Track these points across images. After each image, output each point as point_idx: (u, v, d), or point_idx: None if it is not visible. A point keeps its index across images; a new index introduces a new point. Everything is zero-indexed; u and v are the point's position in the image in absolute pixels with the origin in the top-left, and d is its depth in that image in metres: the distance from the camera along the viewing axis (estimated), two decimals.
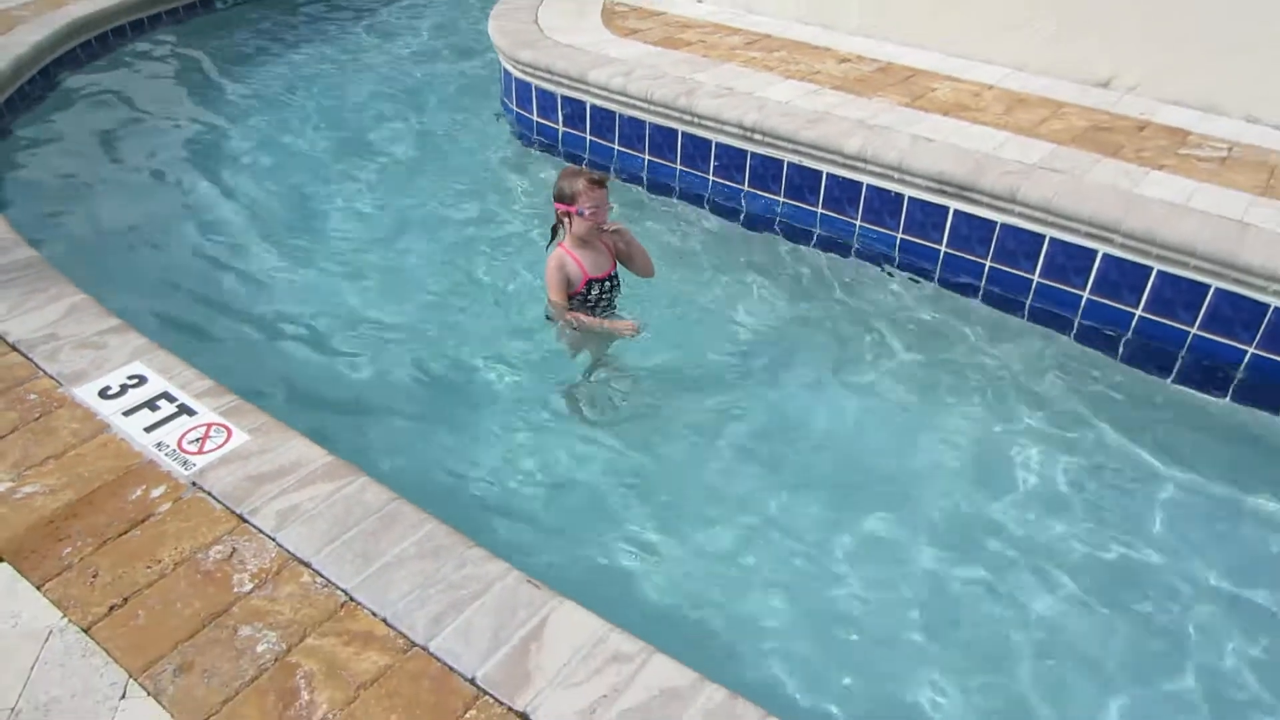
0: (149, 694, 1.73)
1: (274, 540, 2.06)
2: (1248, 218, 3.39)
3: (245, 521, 2.11)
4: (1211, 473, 2.91)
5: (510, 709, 1.71)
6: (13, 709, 1.69)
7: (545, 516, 2.71)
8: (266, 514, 2.12)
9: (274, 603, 1.91)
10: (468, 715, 1.70)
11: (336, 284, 3.81)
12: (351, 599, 1.93)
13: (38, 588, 1.94)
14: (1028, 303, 3.72)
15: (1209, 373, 3.34)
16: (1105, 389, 3.31)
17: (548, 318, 3.15)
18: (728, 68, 4.77)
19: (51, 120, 5.04)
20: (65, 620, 1.87)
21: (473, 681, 1.76)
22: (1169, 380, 3.38)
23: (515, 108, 5.12)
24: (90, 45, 5.95)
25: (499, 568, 2.00)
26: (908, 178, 3.79)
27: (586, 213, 2.90)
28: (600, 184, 2.92)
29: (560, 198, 2.95)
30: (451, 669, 1.78)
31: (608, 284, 3.06)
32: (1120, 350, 3.50)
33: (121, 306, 2.94)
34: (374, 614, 1.89)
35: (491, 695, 1.74)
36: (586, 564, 2.53)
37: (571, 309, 3.01)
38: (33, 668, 1.77)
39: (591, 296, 3.03)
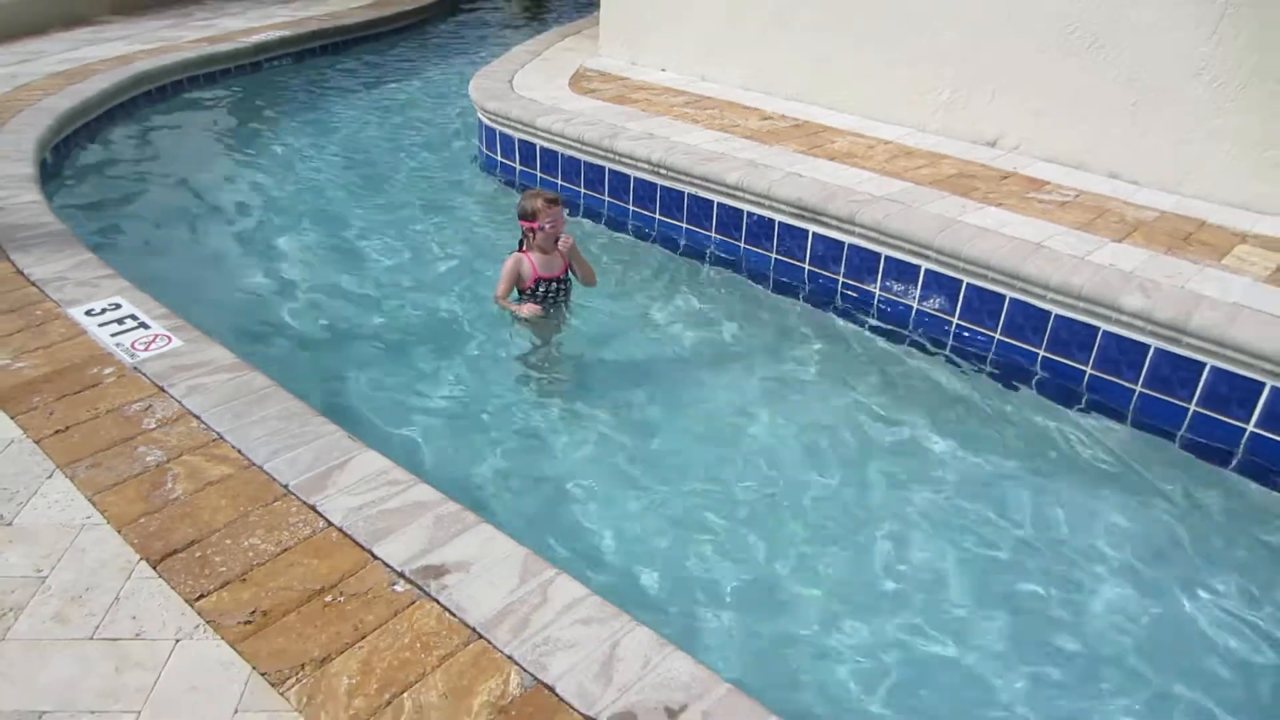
0: (67, 478, 2.51)
1: (179, 403, 2.84)
2: (1047, 243, 4.04)
3: (163, 391, 2.90)
4: (999, 452, 3.46)
5: (305, 503, 2.44)
6: None
7: (433, 423, 3.43)
8: (179, 387, 2.91)
9: (167, 436, 2.69)
10: (275, 503, 2.44)
11: (318, 268, 4.69)
12: (221, 438, 2.69)
13: (11, 418, 2.75)
14: (871, 314, 4.38)
15: (1012, 372, 3.93)
16: (930, 384, 3.90)
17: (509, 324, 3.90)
18: (659, 120, 5.62)
19: (111, 146, 6.12)
20: (24, 435, 2.67)
21: (286, 487, 2.50)
22: (982, 375, 3.98)
23: (484, 150, 6.04)
24: (152, 94, 7.10)
25: (332, 428, 2.75)
26: (776, 204, 4.53)
27: (547, 226, 3.57)
28: (555, 202, 3.61)
29: (523, 215, 3.62)
30: (273, 479, 2.53)
31: (555, 285, 3.71)
32: (946, 353, 4.12)
33: (121, 264, 3.83)
34: (232, 446, 2.65)
35: (296, 495, 2.47)
36: (440, 452, 3.24)
37: (521, 301, 3.70)
38: None
39: (540, 292, 3.69)
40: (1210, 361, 3.43)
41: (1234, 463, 3.43)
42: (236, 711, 1.87)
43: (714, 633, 2.60)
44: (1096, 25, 4.77)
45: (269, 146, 6.44)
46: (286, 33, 8.89)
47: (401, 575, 2.21)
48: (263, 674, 1.95)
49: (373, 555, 2.27)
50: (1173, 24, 4.53)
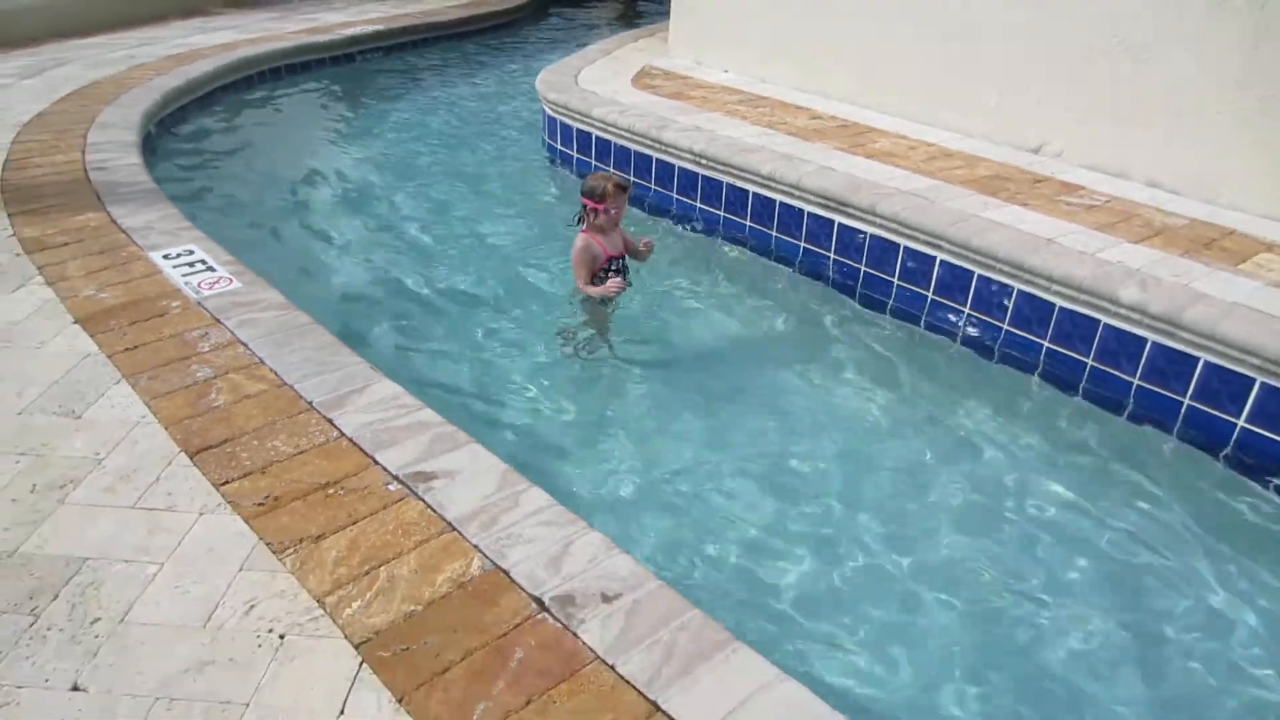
0: (130, 386, 2.92)
1: (231, 332, 3.24)
2: (1058, 239, 4.16)
3: (219, 322, 3.31)
4: (1020, 440, 3.62)
5: (324, 416, 2.79)
6: (52, 383, 2.91)
7: (462, 376, 3.77)
8: (233, 320, 3.32)
9: (216, 358, 3.08)
10: (299, 416, 2.80)
11: (379, 234, 5.13)
12: (261, 362, 3.07)
13: (90, 336, 3.19)
14: (890, 302, 4.55)
15: (1022, 359, 4.06)
16: (942, 368, 4.07)
17: (570, 301, 4.12)
18: (710, 115, 5.88)
19: (209, 122, 6.70)
20: (99, 351, 3.10)
21: (310, 404, 2.86)
22: (993, 362, 4.12)
23: (546, 138, 6.40)
24: (251, 78, 7.70)
25: (357, 360, 3.11)
26: (805, 195, 4.75)
27: (612, 211, 3.72)
28: (624, 189, 3.74)
29: (590, 195, 3.70)
30: (300, 396, 2.89)
31: (620, 262, 3.90)
32: (958, 340, 4.27)
33: (202, 220, 4.30)
34: (270, 368, 3.03)
35: (318, 410, 2.82)
36: (476, 409, 3.56)
37: (594, 284, 3.79)
38: (69, 370, 2.99)
39: (614, 269, 3.84)
40: (1204, 356, 3.51)
41: (1224, 456, 3.50)
42: (241, 569, 2.22)
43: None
44: (1142, 36, 4.83)
45: (350, 129, 6.95)
46: (380, 27, 9.46)
47: (396, 478, 2.54)
48: (267, 544, 2.30)
49: (374, 460, 2.61)
50: (1217, 36, 4.57)
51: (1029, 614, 2.75)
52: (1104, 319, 3.77)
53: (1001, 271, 4.06)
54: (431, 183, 5.97)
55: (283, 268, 4.36)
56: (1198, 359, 3.54)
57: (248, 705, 1.88)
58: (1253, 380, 3.41)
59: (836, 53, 6.41)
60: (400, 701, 1.88)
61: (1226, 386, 3.49)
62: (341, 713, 1.87)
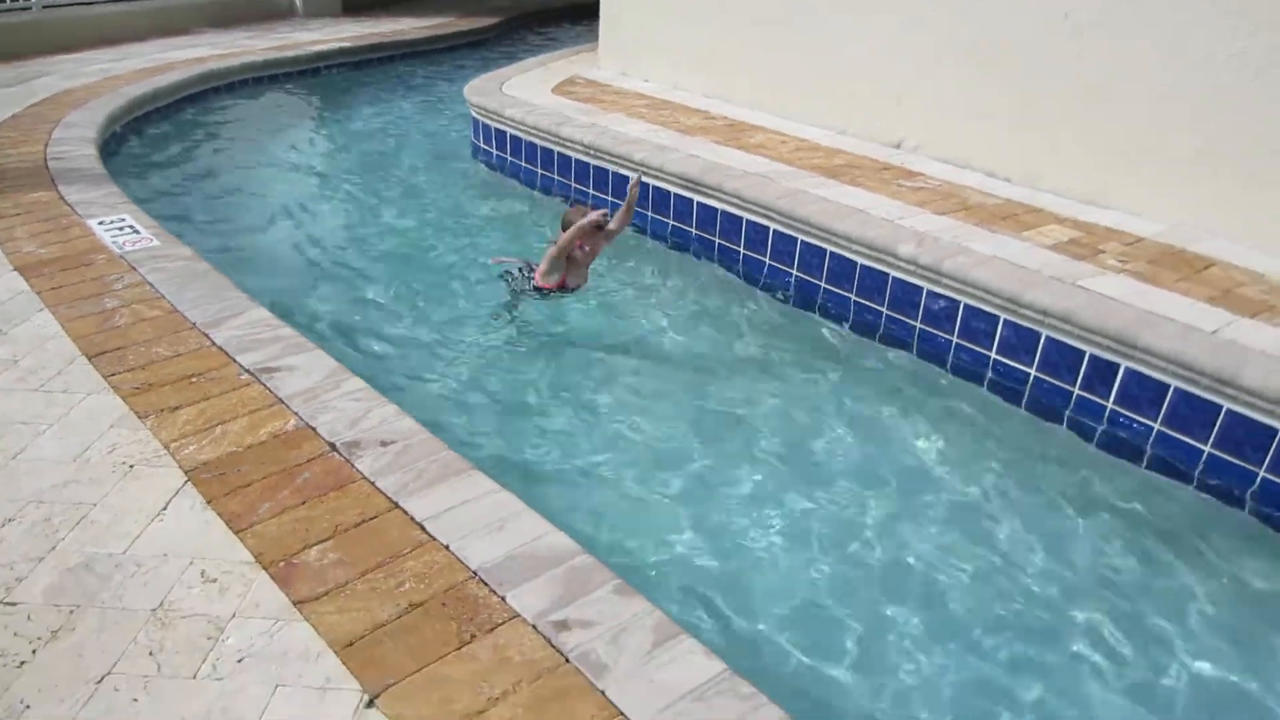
0: (51, 314, 3.62)
1: (142, 276, 3.94)
2: (869, 210, 4.82)
3: (134, 269, 4.02)
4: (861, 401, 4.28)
5: (203, 333, 3.48)
6: None
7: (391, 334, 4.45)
8: (146, 267, 4.02)
9: (126, 294, 3.78)
10: (181, 332, 3.48)
11: (316, 216, 5.84)
12: (163, 297, 3.77)
13: (26, 280, 3.90)
14: (739, 266, 5.22)
15: (836, 313, 4.72)
16: (772, 320, 4.72)
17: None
18: (612, 115, 6.60)
19: (172, 126, 7.46)
20: (30, 289, 3.81)
21: (193, 324, 3.55)
22: (814, 314, 4.77)
23: (473, 139, 7.13)
24: (220, 89, 8.48)
25: (240, 295, 3.80)
26: (668, 178, 5.44)
27: (587, 248, 4.21)
28: (600, 227, 4.15)
29: (565, 226, 4.18)
30: (186, 318, 3.58)
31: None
32: (790, 301, 4.93)
33: (146, 202, 5.02)
34: (169, 301, 3.72)
35: (198, 328, 3.51)
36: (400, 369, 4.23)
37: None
38: (3, 303, 3.70)
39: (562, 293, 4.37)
40: (963, 300, 4.17)
41: (984, 383, 4.15)
42: (111, 428, 2.90)
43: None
44: (986, 42, 5.48)
45: (304, 134, 7.69)
46: (346, 44, 10.25)
47: (247, 370, 3.23)
48: (135, 413, 2.98)
49: (233, 359, 3.30)
50: (1045, 37, 5.22)
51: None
52: (892, 273, 4.43)
53: (817, 236, 4.73)
54: (370, 176, 6.69)
55: (209, 237, 5.07)
56: (959, 302, 4.20)
57: (95, 505, 2.55)
58: (997, 318, 4.07)
59: (738, 62, 7.12)
60: (209, 502, 2.56)
61: (982, 326, 4.14)
62: (165, 508, 2.54)
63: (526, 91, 7.22)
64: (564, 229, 4.18)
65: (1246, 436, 3.42)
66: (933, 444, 3.74)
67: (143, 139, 7.06)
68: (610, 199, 5.94)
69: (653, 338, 4.52)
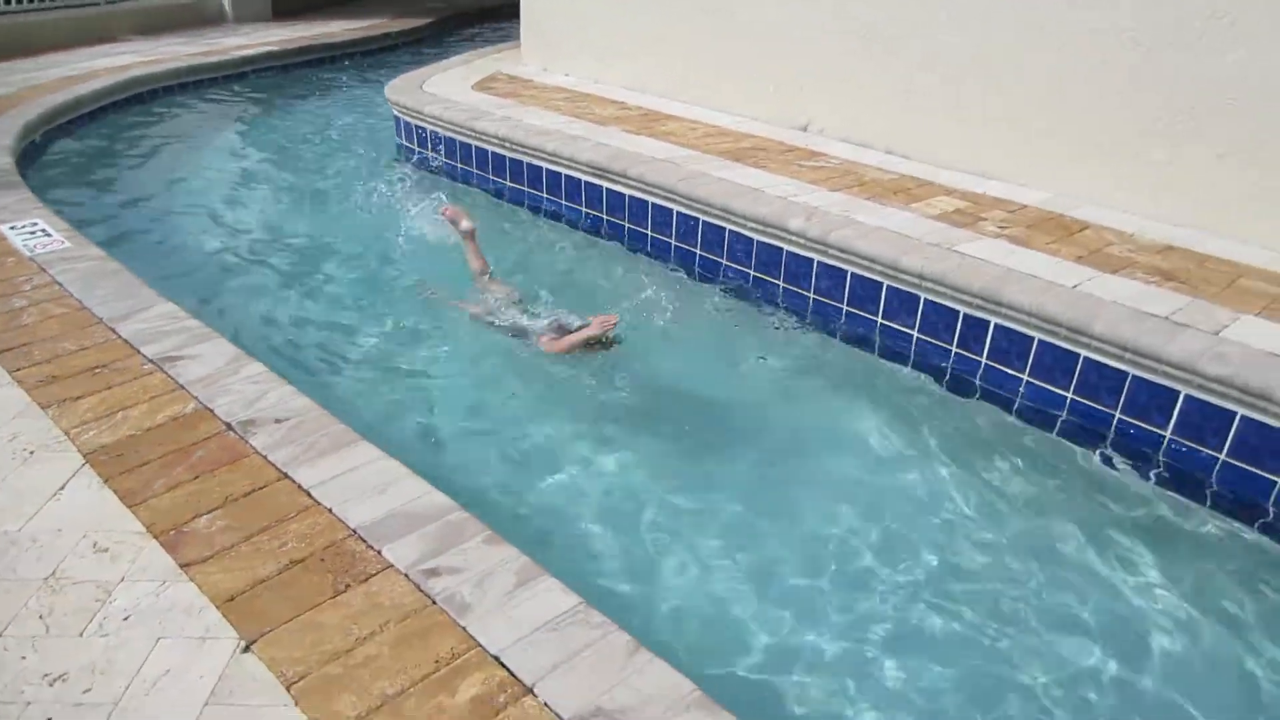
0: None
1: (52, 277, 4.04)
2: (766, 189, 5.03)
3: (44, 270, 4.11)
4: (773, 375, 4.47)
5: (108, 327, 3.60)
6: None
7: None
8: (56, 268, 4.12)
9: (35, 293, 3.88)
10: (88, 328, 3.60)
11: (239, 210, 5.94)
12: (70, 295, 3.87)
13: None
14: (645, 247, 5.42)
15: (737, 287, 4.92)
16: (676, 294, 4.85)
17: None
18: (529, 109, 6.76)
19: (93, 133, 7.49)
20: None
21: (100, 319, 3.67)
22: (716, 287, 4.98)
23: (395, 136, 7.26)
24: (143, 95, 8.51)
25: (150, 293, 3.92)
26: (579, 166, 5.62)
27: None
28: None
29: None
30: (92, 314, 3.70)
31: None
32: (694, 276, 5.13)
33: (65, 208, 5.09)
34: (76, 300, 3.83)
35: (104, 322, 3.63)
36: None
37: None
38: None
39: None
40: (854, 271, 4.40)
41: (875, 349, 4.38)
42: (14, 418, 3.02)
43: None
44: (885, 29, 5.72)
45: (229, 138, 7.75)
46: (274, 48, 10.29)
47: (151, 360, 3.35)
48: (38, 404, 3.10)
49: (138, 351, 3.42)
50: (933, 21, 5.46)
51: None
52: (786, 247, 4.65)
53: (716, 215, 4.94)
54: (292, 177, 6.80)
55: (126, 240, 5.16)
56: (846, 271, 4.42)
57: None
58: (881, 284, 4.30)
59: (654, 54, 7.31)
60: (105, 481, 2.70)
61: (868, 292, 4.37)
62: (62, 489, 2.67)
63: (448, 89, 7.35)
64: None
65: (1102, 381, 3.68)
66: (826, 406, 3.96)
67: (64, 146, 7.09)
68: (526, 188, 6.10)
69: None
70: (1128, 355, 3.57)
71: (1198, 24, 4.43)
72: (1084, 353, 3.71)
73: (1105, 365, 3.65)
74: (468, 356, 4.28)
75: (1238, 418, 3.36)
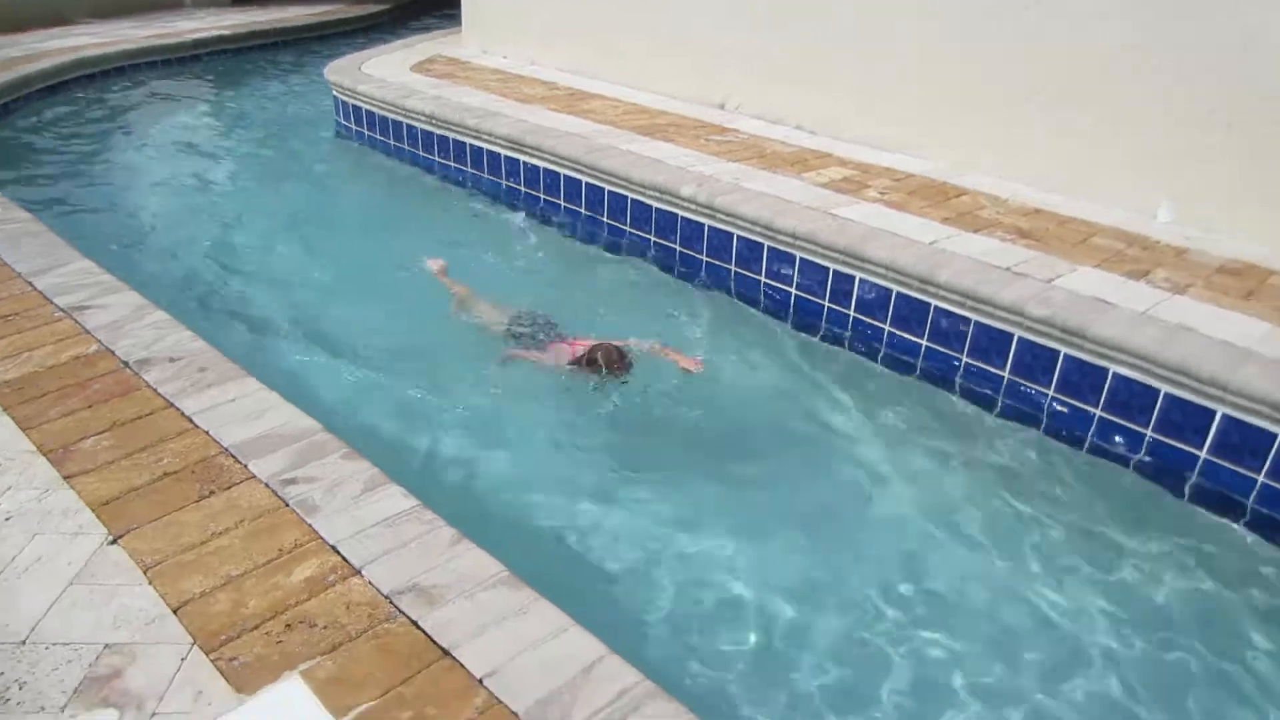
0: None
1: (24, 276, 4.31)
2: (667, 160, 5.33)
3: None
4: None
5: (26, 281, 3.87)
6: None
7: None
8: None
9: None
10: (6, 281, 3.87)
11: (175, 185, 6.19)
12: (22, 278, 4.14)
13: None
14: (558, 218, 5.71)
15: (640, 251, 5.22)
16: (590, 261, 5.22)
17: None
18: (461, 88, 7.02)
19: (42, 112, 7.72)
20: None
21: (18, 274, 3.93)
22: (620, 254, 5.28)
23: (335, 116, 7.52)
24: (94, 76, 8.72)
25: (71, 252, 4.18)
26: (497, 141, 5.90)
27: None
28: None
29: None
30: (13, 270, 3.96)
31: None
32: (601, 245, 5.42)
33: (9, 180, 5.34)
34: (27, 281, 4.08)
35: (22, 277, 3.90)
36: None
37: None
38: None
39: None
40: (740, 233, 4.71)
41: (760, 306, 4.69)
42: None
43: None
44: (794, 7, 6.01)
45: (178, 116, 7.99)
46: (227, 32, 10.50)
47: (62, 309, 3.62)
48: None
49: (50, 301, 3.69)
50: (853, 4, 5.76)
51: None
52: (680, 213, 4.96)
53: (620, 185, 5.24)
54: (235, 154, 7.06)
55: (61, 210, 5.42)
56: (732, 234, 4.73)
57: None
58: (762, 245, 4.61)
59: (587, 38, 7.59)
60: (4, 410, 2.97)
61: (752, 253, 4.68)
62: None
63: (386, 70, 7.60)
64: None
65: (950, 328, 4.01)
66: (724, 359, 4.25)
67: (10, 124, 7.31)
68: (452, 162, 6.38)
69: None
70: (969, 302, 3.89)
71: (1076, 4, 4.77)
72: (934, 302, 4.03)
73: (952, 313, 3.98)
74: (374, 304, 4.56)
75: (1061, 356, 3.69)
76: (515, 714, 1.92)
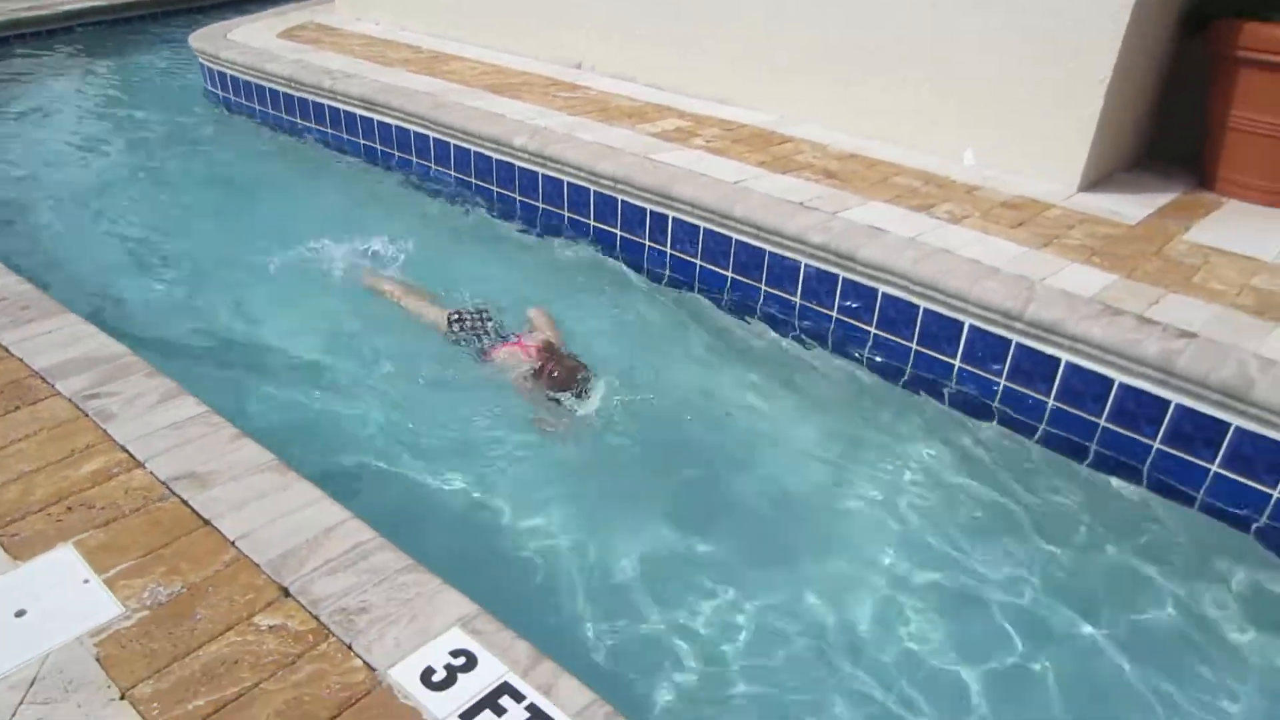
0: None
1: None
2: (509, 115, 5.59)
3: None
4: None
5: None
6: None
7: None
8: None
9: None
10: None
11: (59, 167, 6.24)
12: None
13: None
14: (411, 173, 5.96)
15: (486, 204, 5.50)
16: (442, 210, 5.47)
17: None
18: (324, 54, 7.17)
19: None
20: None
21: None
22: (493, 214, 5.53)
23: (203, 83, 7.61)
24: None
25: None
26: (353, 101, 6.11)
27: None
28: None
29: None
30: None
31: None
32: (470, 203, 5.67)
33: None
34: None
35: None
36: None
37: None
38: None
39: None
40: (568, 180, 5.02)
41: (590, 245, 5.02)
42: None
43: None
44: None
45: (48, 88, 7.98)
46: (100, 3, 10.39)
47: None
48: None
49: None
50: None
51: None
52: (516, 162, 5.25)
53: (465, 140, 5.51)
54: (104, 122, 7.13)
55: None
56: (563, 181, 5.05)
57: None
58: (588, 190, 4.93)
59: (456, 3, 7.78)
60: None
61: (581, 199, 5.00)
62: None
63: (252, 37, 7.70)
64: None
65: (750, 259, 4.39)
66: (569, 299, 4.53)
67: None
68: (313, 124, 6.56)
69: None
70: (762, 234, 4.27)
71: None
72: (734, 236, 4.40)
73: (749, 245, 4.35)
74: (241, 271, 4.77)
75: (840, 279, 4.10)
76: (257, 565, 2.23)
